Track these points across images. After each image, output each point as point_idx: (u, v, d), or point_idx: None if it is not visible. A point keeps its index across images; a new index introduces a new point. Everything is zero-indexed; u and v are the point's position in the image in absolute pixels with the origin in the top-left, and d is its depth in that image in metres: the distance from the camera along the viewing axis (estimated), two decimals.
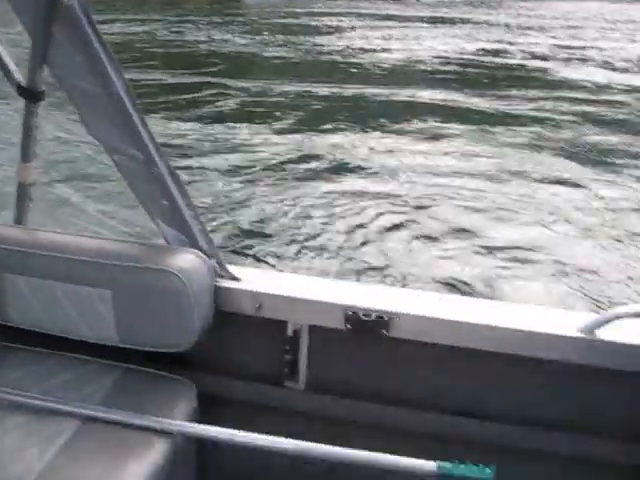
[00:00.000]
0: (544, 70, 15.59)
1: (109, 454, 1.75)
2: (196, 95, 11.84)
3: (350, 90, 12.42)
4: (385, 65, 16.02)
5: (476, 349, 1.89)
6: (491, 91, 12.67)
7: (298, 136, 9.20)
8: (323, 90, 12.26)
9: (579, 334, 1.81)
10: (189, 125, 9.48)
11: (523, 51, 18.68)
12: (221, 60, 16.26)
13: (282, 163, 7.95)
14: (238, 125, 9.68)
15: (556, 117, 10.57)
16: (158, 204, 1.91)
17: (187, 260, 1.90)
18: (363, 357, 2.02)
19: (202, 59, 16.71)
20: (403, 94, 12.11)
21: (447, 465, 1.68)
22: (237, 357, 2.11)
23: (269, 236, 6.04)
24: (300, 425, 1.92)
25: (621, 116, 11.01)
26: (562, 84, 13.60)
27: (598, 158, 8.48)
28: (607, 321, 1.79)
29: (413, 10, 37.10)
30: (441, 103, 11.60)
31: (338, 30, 24.11)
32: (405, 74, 14.78)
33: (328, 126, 9.64)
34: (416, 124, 10.03)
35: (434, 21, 29.37)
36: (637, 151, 8.91)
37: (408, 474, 1.74)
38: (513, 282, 5.26)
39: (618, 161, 8.44)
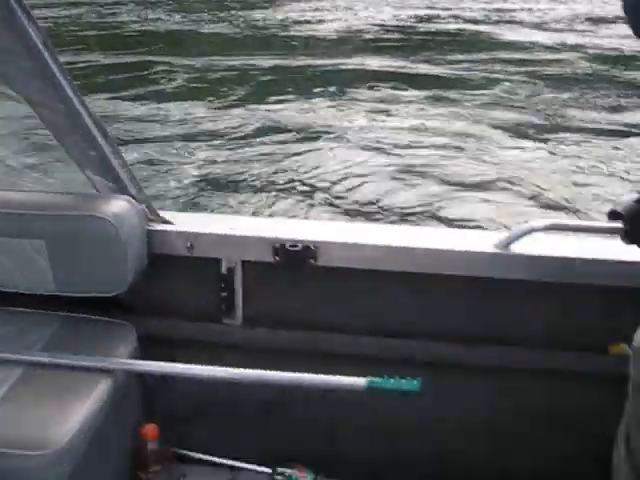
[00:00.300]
0: (483, 33, 15.88)
1: (53, 397, 1.82)
2: (137, 74, 11.68)
3: (294, 62, 12.46)
4: (325, 36, 16.05)
5: (398, 272, 1.98)
6: (438, 56, 12.83)
7: (247, 108, 9.18)
8: (267, 63, 12.22)
9: (496, 249, 1.90)
10: (131, 104, 9.32)
11: (458, 16, 18.89)
12: (158, 39, 16.12)
13: (230, 132, 7.87)
14: (183, 102, 9.64)
15: (506, 77, 10.77)
16: (86, 154, 1.95)
17: (117, 206, 1.96)
18: (295, 288, 2.11)
19: (138, 39, 16.49)
20: (350, 63, 12.14)
21: (377, 380, 1.83)
22: (174, 298, 2.17)
23: (206, 189, 6.11)
24: (240, 358, 2.00)
25: (567, 73, 11.25)
26: (503, 46, 13.88)
27: (553, 114, 8.67)
28: (521, 235, 1.88)
29: None
30: (390, 70, 11.74)
31: (271, 3, 23.98)
32: (346, 44, 14.83)
33: (277, 97, 9.65)
34: (368, 91, 10.08)
35: None
36: (586, 105, 9.15)
37: (343, 392, 1.89)
38: (449, 210, 5.49)
39: (570, 115, 8.67)
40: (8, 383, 1.85)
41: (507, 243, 1.91)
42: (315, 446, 2.28)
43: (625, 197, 1.49)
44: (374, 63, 12.28)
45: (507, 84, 10.41)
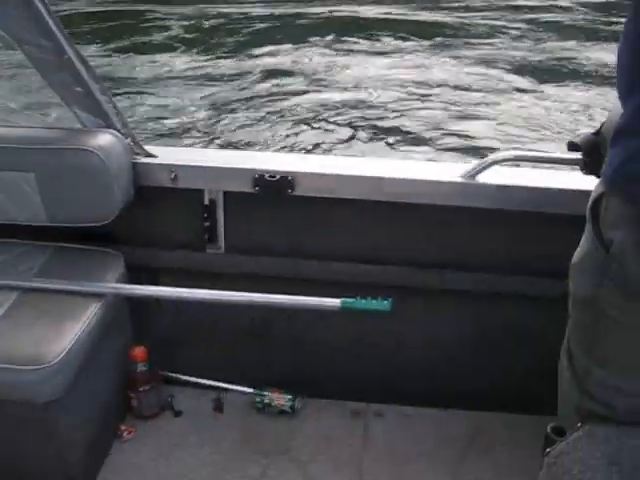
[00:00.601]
0: None
1: (46, 319, 1.92)
2: (126, 22, 11.49)
3: (286, 9, 12.17)
4: None
5: (371, 200, 2.07)
6: (434, 4, 12.61)
7: (239, 56, 9.10)
8: (258, 11, 12.01)
9: (462, 179, 1.99)
10: (120, 54, 9.23)
11: None
12: None
13: (227, 80, 7.88)
14: (173, 53, 9.48)
15: (507, 25, 10.62)
16: (72, 90, 2.00)
17: (104, 139, 2.03)
18: (274, 216, 2.20)
19: None
20: (344, 10, 11.96)
21: (350, 300, 1.94)
22: (160, 227, 2.27)
23: (193, 129, 6.22)
24: (223, 284, 2.09)
25: (567, 22, 11.12)
26: None
27: (555, 63, 8.67)
28: (487, 166, 1.96)
29: None
30: (389, 17, 11.51)
31: None
32: None
33: (271, 47, 9.51)
34: (368, 39, 9.94)
35: None
36: (586, 55, 9.14)
37: (319, 311, 2.02)
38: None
39: (571, 66, 8.68)
40: (3, 308, 1.95)
41: (473, 174, 1.99)
42: (294, 368, 2.42)
43: (584, 131, 1.57)
44: (369, 11, 12.18)
45: (509, 31, 10.32)
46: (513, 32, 10.12)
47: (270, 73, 8.02)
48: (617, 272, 1.16)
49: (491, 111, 6.65)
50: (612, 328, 1.20)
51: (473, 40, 9.67)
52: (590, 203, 1.24)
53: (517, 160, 2.05)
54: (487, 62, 8.49)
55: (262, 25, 11.05)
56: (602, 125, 1.48)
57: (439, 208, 2.05)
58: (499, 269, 2.11)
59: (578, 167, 1.64)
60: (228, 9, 12.18)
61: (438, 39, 9.84)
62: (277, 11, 12.02)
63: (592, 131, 1.52)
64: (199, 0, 13.35)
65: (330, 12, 11.84)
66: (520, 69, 8.28)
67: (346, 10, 11.99)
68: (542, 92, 7.29)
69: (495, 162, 1.98)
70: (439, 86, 7.50)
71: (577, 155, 1.60)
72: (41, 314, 1.94)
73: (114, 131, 2.10)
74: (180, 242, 2.26)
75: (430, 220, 2.12)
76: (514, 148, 5.47)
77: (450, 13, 11.51)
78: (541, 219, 2.00)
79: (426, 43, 9.64)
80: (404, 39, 9.85)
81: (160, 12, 12.24)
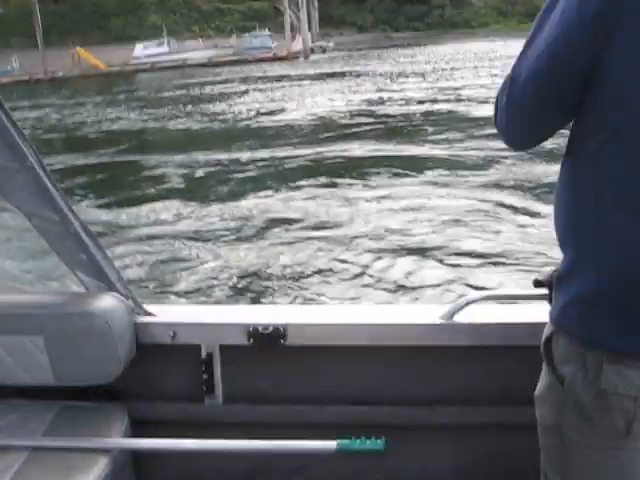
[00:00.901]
0: (452, 112, 16.16)
1: (56, 477, 1.98)
2: (114, 174, 11.87)
3: (273, 153, 12.60)
4: (293, 125, 16.38)
5: (359, 345, 2.21)
6: (417, 138, 13.16)
7: (234, 205, 9.22)
8: (245, 156, 12.44)
9: (441, 321, 2.12)
10: (116, 208, 9.42)
11: (424, 98, 19.49)
12: (125, 138, 16.29)
13: (212, 229, 8.11)
14: (162, 201, 9.64)
15: (489, 154, 10.97)
16: (76, 257, 2.16)
17: (108, 302, 2.16)
18: (270, 366, 2.30)
19: (108, 138, 16.73)
20: (333, 150, 12.40)
21: (345, 442, 2.05)
22: (160, 382, 2.35)
23: (184, 279, 6.49)
24: (223, 433, 2.18)
25: (548, 146, 11.60)
26: (476, 123, 13.88)
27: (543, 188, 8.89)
28: (462, 307, 2.10)
29: (302, 69, 38.32)
30: (375, 154, 11.98)
31: (235, 96, 24.59)
32: (319, 132, 15.10)
33: (261, 192, 9.67)
34: (362, 177, 10.24)
35: (325, 77, 30.32)
36: None
37: (316, 454, 2.13)
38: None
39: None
40: (14, 468, 2.00)
41: (450, 314, 2.11)
42: None
43: (548, 268, 1.68)
44: (356, 149, 12.59)
45: (488, 161, 10.68)
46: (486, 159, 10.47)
47: (264, 220, 8.25)
48: (573, 402, 1.32)
49: (471, 246, 6.96)
50: (577, 451, 1.35)
51: (462, 172, 10.06)
52: (543, 342, 1.40)
53: (489, 299, 2.19)
54: (472, 195, 8.81)
55: (253, 170, 11.44)
56: None
57: (423, 348, 2.18)
58: (486, 401, 2.20)
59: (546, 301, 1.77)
60: (220, 155, 12.70)
61: (429, 172, 10.30)
62: (267, 155, 12.50)
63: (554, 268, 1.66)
64: (191, 148, 13.94)
65: (318, 153, 12.33)
66: (506, 198, 8.61)
67: (335, 150, 12.51)
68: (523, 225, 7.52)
69: (469, 302, 2.11)
70: (429, 222, 7.67)
71: (544, 290, 1.69)
72: (50, 474, 2.00)
73: (116, 293, 2.23)
74: (180, 394, 2.35)
75: (416, 360, 2.22)
76: (487, 288, 5.72)
77: (434, 146, 12.08)
78: (517, 351, 2.05)
79: (415, 177, 10.03)
80: (392, 174, 10.25)
81: (151, 162, 12.73)
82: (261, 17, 78.92)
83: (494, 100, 1.33)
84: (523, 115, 1.29)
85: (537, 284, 1.52)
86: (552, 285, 1.41)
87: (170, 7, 76.72)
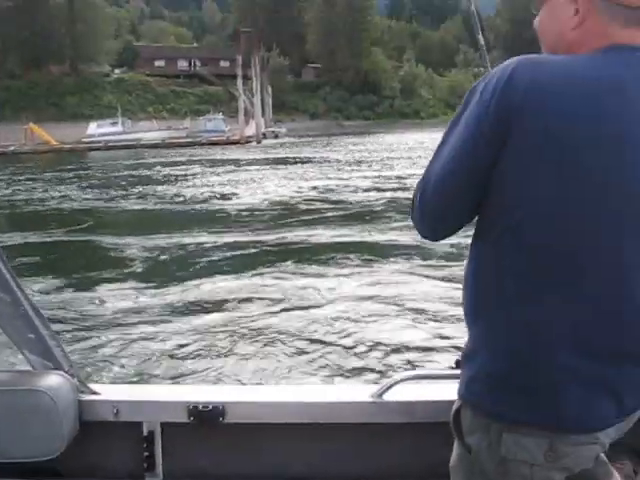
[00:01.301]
0: (395, 200, 16.65)
1: None
2: (65, 254, 11.84)
3: (238, 237, 12.65)
4: (255, 209, 16.51)
5: (294, 423, 2.30)
6: (379, 225, 13.51)
7: (193, 289, 9.13)
8: (199, 240, 12.43)
9: (373, 399, 2.22)
10: (59, 288, 9.35)
11: (369, 187, 20.03)
12: (80, 216, 16.06)
13: (175, 312, 8.17)
14: (114, 282, 9.59)
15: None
16: (24, 336, 2.22)
17: (53, 380, 2.21)
18: (209, 443, 2.36)
19: (59, 216, 16.61)
20: (299, 236, 12.57)
21: None
22: (102, 459, 2.39)
23: (130, 359, 6.54)
24: None
25: None
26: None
27: None
28: (391, 386, 2.20)
29: (254, 153, 39.01)
30: (339, 240, 12.17)
31: (189, 178, 24.81)
32: (279, 216, 15.25)
33: (223, 277, 9.67)
34: (318, 263, 10.41)
35: (277, 162, 30.91)
36: None
37: None
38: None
39: None
40: None
41: (381, 393, 2.20)
42: None
43: None
44: (323, 234, 12.77)
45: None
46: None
47: (212, 302, 8.31)
48: (479, 471, 1.41)
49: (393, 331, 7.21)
50: None
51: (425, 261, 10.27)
52: (452, 415, 1.49)
53: (417, 378, 2.30)
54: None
55: (208, 254, 11.38)
56: None
57: (357, 425, 2.26)
58: (416, 477, 2.27)
59: None
60: (174, 238, 12.81)
61: (392, 259, 10.51)
62: (230, 240, 12.47)
63: None
64: (144, 229, 13.99)
65: (282, 238, 12.53)
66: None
67: (301, 235, 12.77)
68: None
69: (399, 381, 2.20)
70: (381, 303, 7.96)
71: None
72: None
73: (62, 372, 2.26)
74: (121, 472, 2.39)
75: (352, 437, 2.31)
76: (417, 366, 5.99)
77: (402, 233, 12.27)
78: (445, 428, 2.08)
79: (377, 263, 10.23)
80: (352, 260, 10.45)
81: (102, 243, 12.64)
82: (215, 101, 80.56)
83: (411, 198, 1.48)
84: (432, 214, 1.44)
85: (457, 364, 1.61)
86: None
87: (126, 88, 77.80)
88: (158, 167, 30.38)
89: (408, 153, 33.15)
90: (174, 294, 8.76)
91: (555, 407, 1.32)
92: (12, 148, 48.02)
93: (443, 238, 1.50)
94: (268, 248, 11.65)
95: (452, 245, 9.85)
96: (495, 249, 1.35)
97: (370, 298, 8.25)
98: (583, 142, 1.24)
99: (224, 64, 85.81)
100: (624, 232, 1.28)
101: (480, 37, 2.11)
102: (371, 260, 10.43)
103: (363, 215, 14.91)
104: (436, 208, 1.42)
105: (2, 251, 2.04)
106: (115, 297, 8.79)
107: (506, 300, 1.34)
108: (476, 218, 1.42)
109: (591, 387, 1.31)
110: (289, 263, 10.33)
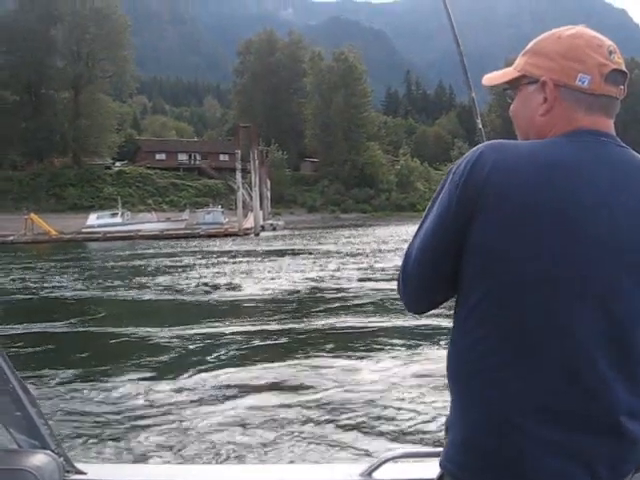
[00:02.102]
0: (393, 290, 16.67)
1: None
2: (62, 344, 11.81)
3: (233, 328, 12.56)
4: (258, 299, 16.53)
5: None
6: (386, 316, 13.55)
7: (190, 374, 8.98)
8: (202, 330, 12.31)
9: (360, 478, 2.19)
10: (60, 379, 9.36)
11: (364, 277, 20.16)
12: (78, 306, 16.09)
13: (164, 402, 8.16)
14: (112, 367, 9.56)
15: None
16: (11, 415, 2.19)
17: (39, 459, 2.17)
18: None
19: (56, 306, 16.55)
20: (313, 324, 12.62)
21: None
22: None
23: (119, 439, 6.48)
24: None
25: None
26: None
27: None
28: (380, 464, 2.18)
29: (253, 245, 39.35)
30: (339, 326, 12.29)
31: (187, 269, 24.86)
32: (282, 307, 15.18)
33: (230, 368, 9.47)
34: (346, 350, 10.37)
35: (276, 254, 31.10)
36: None
37: None
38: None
39: None
40: None
41: (369, 472, 2.19)
42: None
43: None
44: (324, 321, 12.83)
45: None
46: None
47: (214, 388, 8.25)
48: None
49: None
50: None
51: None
52: (436, 478, 1.50)
53: (404, 457, 2.26)
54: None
55: (213, 344, 11.13)
56: None
57: None
58: None
59: None
60: (177, 330, 12.62)
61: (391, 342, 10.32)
62: (232, 329, 12.31)
63: None
64: (145, 320, 13.95)
65: (286, 327, 12.40)
66: None
67: (304, 323, 12.28)
68: None
69: (388, 460, 2.19)
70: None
71: None
72: None
73: (48, 451, 2.23)
74: None
75: None
76: (406, 443, 5.99)
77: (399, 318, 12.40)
78: None
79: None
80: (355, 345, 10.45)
81: (100, 333, 12.53)
82: (214, 193, 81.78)
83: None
84: (414, 284, 1.51)
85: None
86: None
87: (127, 180, 79.13)
88: (157, 258, 30.56)
89: (401, 245, 33.47)
90: (170, 382, 8.74)
91: (527, 478, 1.35)
92: (11, 238, 48.42)
93: (427, 309, 1.58)
94: (272, 336, 11.68)
95: None
96: (467, 319, 1.42)
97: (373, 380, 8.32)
98: (542, 218, 1.34)
99: (223, 158, 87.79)
100: (577, 305, 1.35)
101: (478, 121, 2.21)
102: (376, 345, 10.52)
103: (360, 303, 15.05)
104: (418, 279, 1.49)
105: None
106: (111, 383, 8.78)
107: (478, 369, 1.39)
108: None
109: (562, 457, 1.34)
110: (293, 349, 10.41)
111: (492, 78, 1.63)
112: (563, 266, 1.35)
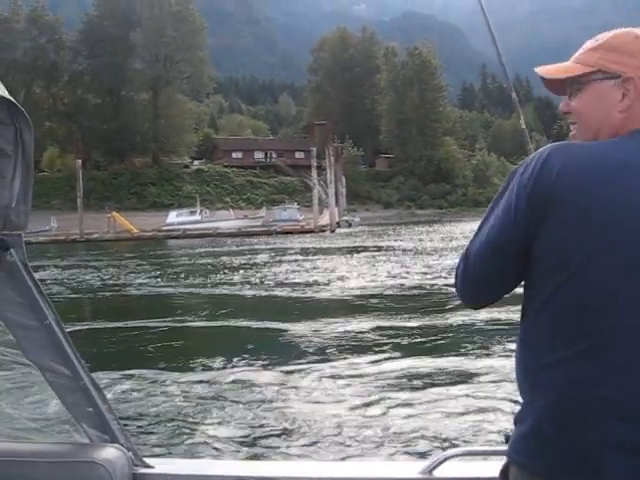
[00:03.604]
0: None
1: None
2: (139, 340, 12.07)
3: (308, 326, 12.51)
4: (340, 297, 16.50)
5: None
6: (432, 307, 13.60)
7: (266, 371, 9.04)
8: (283, 326, 12.38)
9: (420, 476, 2.19)
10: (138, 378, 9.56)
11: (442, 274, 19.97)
12: (158, 303, 16.59)
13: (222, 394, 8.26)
14: (188, 363, 9.57)
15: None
16: (83, 410, 2.26)
17: (109, 453, 2.25)
18: None
19: (138, 302, 17.08)
20: (387, 324, 12.36)
21: None
22: None
23: (187, 435, 6.58)
24: None
25: None
26: None
27: None
28: (441, 462, 2.18)
29: (328, 242, 39.47)
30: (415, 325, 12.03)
31: (265, 266, 25.07)
32: (367, 305, 14.96)
33: (302, 360, 9.60)
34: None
35: (351, 250, 31.14)
36: None
37: None
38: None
39: None
40: None
41: (430, 469, 2.18)
42: None
43: None
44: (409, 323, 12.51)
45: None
46: None
47: (284, 386, 8.20)
48: None
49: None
50: None
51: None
52: (501, 469, 1.55)
53: (466, 455, 2.26)
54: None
55: (293, 342, 10.92)
56: None
57: None
58: None
59: None
60: (265, 324, 12.78)
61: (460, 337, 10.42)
62: (301, 327, 12.19)
63: None
64: (225, 315, 13.89)
65: (361, 326, 12.15)
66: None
67: (387, 324, 12.63)
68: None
69: (448, 458, 2.18)
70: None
71: None
72: None
73: (118, 445, 2.31)
74: None
75: None
76: (465, 442, 5.93)
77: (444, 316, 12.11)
78: None
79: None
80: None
81: (179, 328, 12.85)
82: (290, 191, 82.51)
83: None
84: (474, 284, 1.57)
85: (507, 439, 1.64)
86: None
87: (204, 178, 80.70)
88: (235, 255, 30.99)
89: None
90: (244, 378, 8.77)
91: (599, 473, 1.36)
92: (95, 235, 50.04)
93: (484, 303, 1.63)
94: (350, 335, 11.65)
95: None
96: (539, 314, 1.46)
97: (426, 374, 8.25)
98: (612, 216, 1.38)
99: (299, 155, 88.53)
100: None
101: (521, 121, 2.22)
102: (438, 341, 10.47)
103: (438, 302, 14.89)
104: (482, 275, 1.54)
105: (64, 327, 2.13)
106: (184, 376, 8.91)
107: (549, 363, 1.43)
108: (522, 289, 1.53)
109: (628, 451, 1.35)
110: (367, 346, 10.36)
111: (552, 71, 1.61)
112: (633, 263, 1.37)
